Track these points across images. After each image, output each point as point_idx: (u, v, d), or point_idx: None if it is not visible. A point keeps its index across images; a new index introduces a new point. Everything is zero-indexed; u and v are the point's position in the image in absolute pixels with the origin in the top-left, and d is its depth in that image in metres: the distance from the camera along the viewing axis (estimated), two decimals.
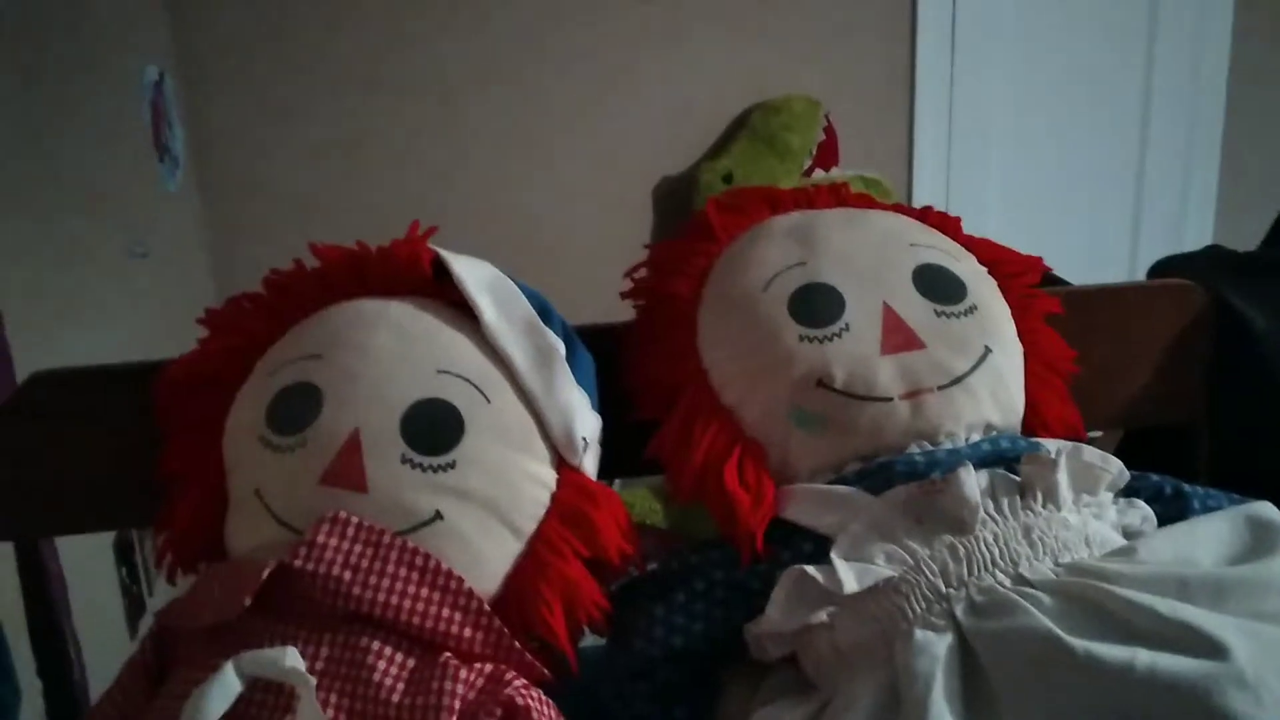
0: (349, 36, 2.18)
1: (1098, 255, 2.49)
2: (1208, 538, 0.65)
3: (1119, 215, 2.56)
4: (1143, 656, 0.56)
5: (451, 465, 0.68)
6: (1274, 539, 0.65)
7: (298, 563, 0.64)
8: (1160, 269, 0.97)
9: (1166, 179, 2.56)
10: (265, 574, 0.64)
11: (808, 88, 2.34)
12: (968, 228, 0.85)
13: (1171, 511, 0.72)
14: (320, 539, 0.65)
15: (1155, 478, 0.75)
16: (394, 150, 2.21)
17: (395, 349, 0.72)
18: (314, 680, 0.62)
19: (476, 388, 0.71)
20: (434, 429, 0.69)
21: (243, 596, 0.63)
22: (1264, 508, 0.68)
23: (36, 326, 1.26)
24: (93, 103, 1.64)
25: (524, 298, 0.75)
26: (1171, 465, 0.79)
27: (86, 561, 1.36)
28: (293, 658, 0.62)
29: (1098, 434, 0.94)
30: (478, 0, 2.20)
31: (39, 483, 0.82)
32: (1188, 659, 0.55)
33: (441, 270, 0.76)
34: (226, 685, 0.61)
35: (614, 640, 0.73)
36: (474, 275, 0.75)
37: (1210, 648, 0.56)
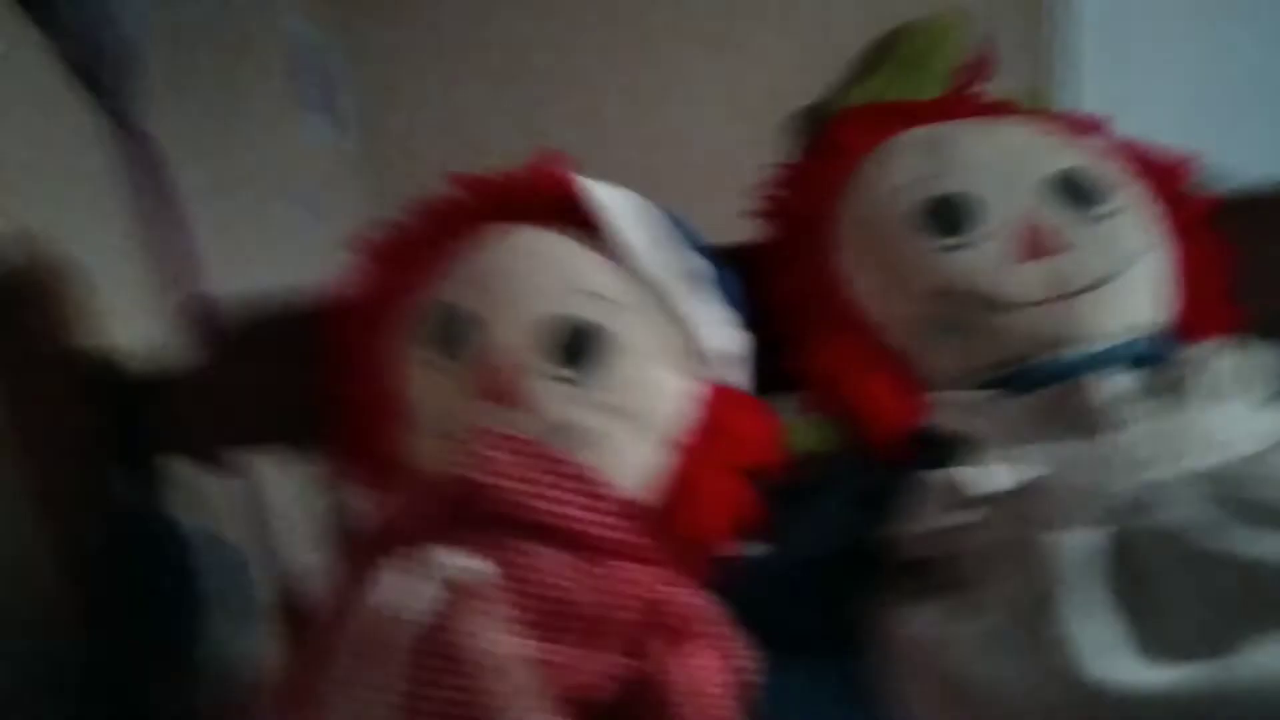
0: None
1: None
2: None
3: None
4: None
5: (599, 380, 0.72)
6: None
7: (475, 476, 0.69)
8: None
9: None
10: (447, 491, 0.69)
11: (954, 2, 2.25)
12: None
13: None
14: (486, 452, 0.70)
15: None
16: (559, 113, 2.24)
17: (544, 271, 0.75)
18: (490, 573, 0.66)
19: (622, 307, 0.74)
20: (583, 346, 0.72)
21: (428, 514, 0.69)
22: None
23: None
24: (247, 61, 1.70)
25: (665, 220, 0.78)
26: None
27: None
28: (466, 558, 0.67)
29: None
30: None
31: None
32: None
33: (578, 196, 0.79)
34: (421, 590, 0.66)
35: (765, 545, 0.75)
36: (614, 200, 0.78)
37: None
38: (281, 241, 1.68)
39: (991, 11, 2.24)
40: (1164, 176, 0.79)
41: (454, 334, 0.75)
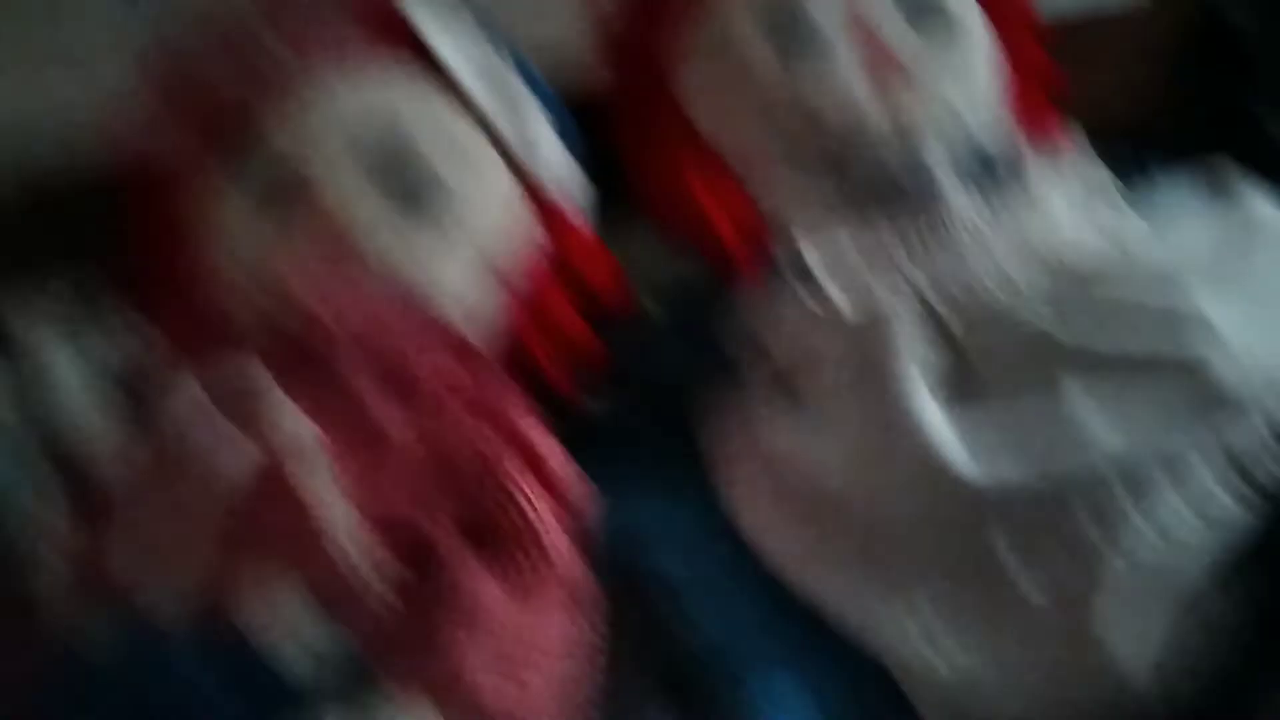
0: None
1: None
2: (1185, 218, 0.67)
3: None
4: (1128, 341, 0.58)
5: (434, 219, 0.67)
6: (1243, 203, 0.66)
7: (294, 321, 0.64)
8: None
9: None
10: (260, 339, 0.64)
11: None
12: None
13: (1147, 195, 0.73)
14: (313, 298, 0.65)
15: (1130, 161, 0.75)
16: None
17: (369, 106, 0.69)
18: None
19: (456, 139, 0.69)
20: (415, 184, 0.67)
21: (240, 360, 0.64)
22: (1226, 169, 0.70)
23: None
24: None
25: (500, 49, 0.73)
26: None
27: None
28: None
29: None
30: None
31: None
32: (1170, 337, 0.57)
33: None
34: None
35: (612, 386, 0.74)
36: (443, 24, 0.72)
37: (1195, 326, 0.57)
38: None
39: None
40: None
41: (274, 179, 0.68)
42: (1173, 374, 0.56)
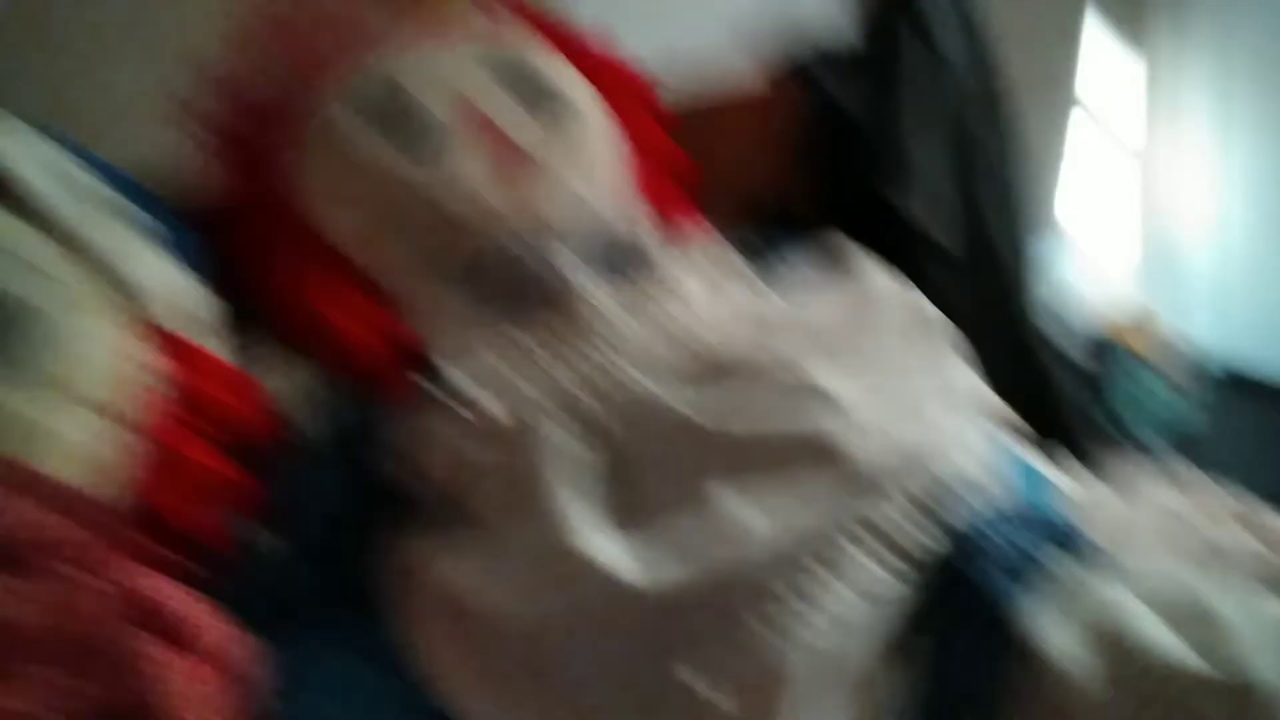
0: None
1: None
2: (806, 291, 0.72)
3: None
4: (759, 419, 0.59)
5: (28, 361, 0.60)
6: (858, 273, 0.71)
7: None
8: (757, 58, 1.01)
9: None
10: None
11: None
12: None
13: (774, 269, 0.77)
14: None
15: (752, 236, 0.79)
16: None
17: None
18: None
19: (54, 273, 0.62)
20: (6, 323, 0.60)
21: None
22: (838, 240, 0.76)
23: None
24: None
25: (95, 176, 0.66)
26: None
27: None
28: None
29: None
30: None
31: None
32: (805, 413, 0.59)
33: None
34: None
35: (266, 520, 0.68)
36: (24, 154, 0.65)
37: (823, 402, 0.60)
38: None
39: None
40: (614, 74, 0.81)
41: None
42: (807, 454, 0.58)
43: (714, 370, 0.62)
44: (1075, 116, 2.50)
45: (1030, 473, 0.75)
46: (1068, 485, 0.73)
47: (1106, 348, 1.39)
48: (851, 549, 0.57)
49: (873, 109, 0.92)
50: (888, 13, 0.96)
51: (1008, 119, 1.01)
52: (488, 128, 0.70)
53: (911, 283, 0.75)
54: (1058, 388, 0.98)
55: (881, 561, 0.58)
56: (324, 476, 0.67)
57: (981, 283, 1.00)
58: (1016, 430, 0.85)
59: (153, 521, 0.62)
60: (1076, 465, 0.77)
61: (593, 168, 0.74)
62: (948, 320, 0.71)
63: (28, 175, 0.63)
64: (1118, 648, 0.50)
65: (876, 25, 0.97)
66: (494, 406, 0.63)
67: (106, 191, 0.66)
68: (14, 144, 0.65)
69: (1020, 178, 1.04)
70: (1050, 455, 0.82)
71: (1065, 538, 0.59)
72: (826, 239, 0.72)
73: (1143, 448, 1.05)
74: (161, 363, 0.65)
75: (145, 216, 0.67)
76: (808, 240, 0.75)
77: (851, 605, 0.56)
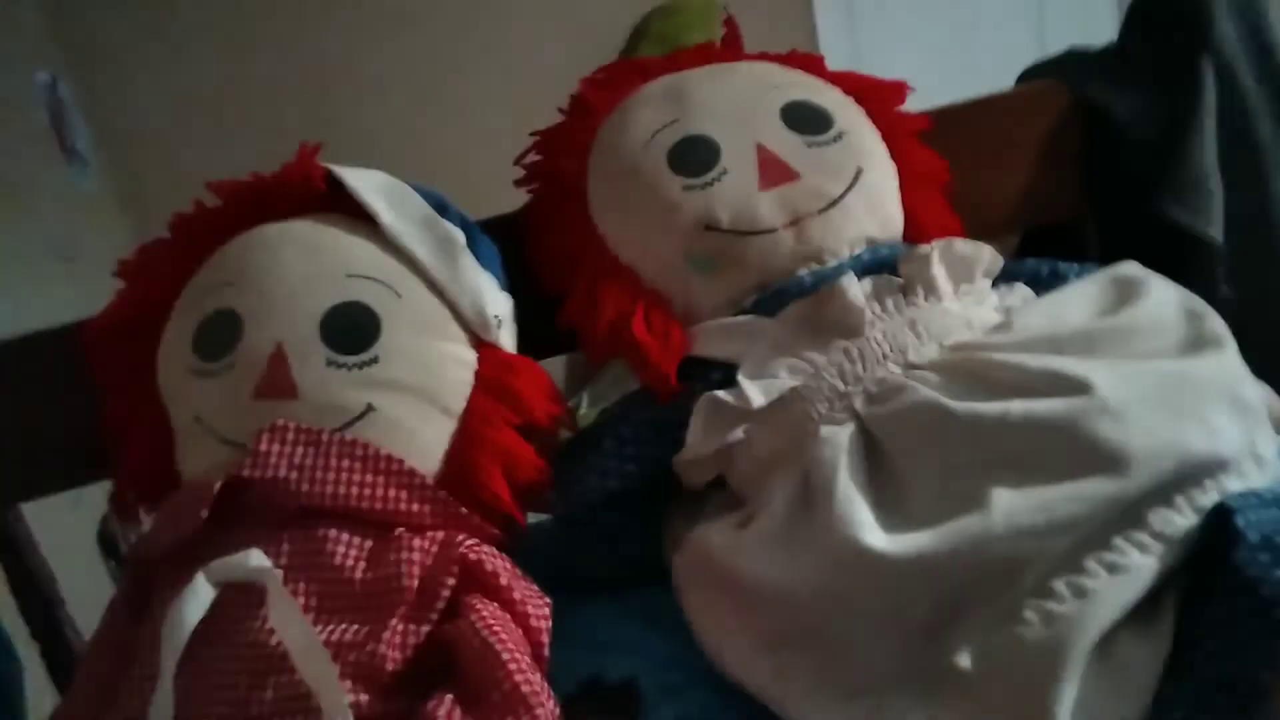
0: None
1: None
2: (1076, 300, 0.71)
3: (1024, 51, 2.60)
4: (1016, 405, 0.61)
5: (374, 360, 0.72)
6: (1137, 290, 0.70)
7: (246, 472, 0.68)
8: (1026, 76, 1.02)
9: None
10: (217, 486, 0.68)
11: None
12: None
13: (1051, 290, 0.77)
14: (263, 447, 0.69)
15: (1032, 261, 0.80)
16: (300, 109, 2.19)
17: (302, 262, 0.75)
18: (280, 573, 0.66)
19: (386, 285, 0.75)
20: (352, 329, 0.73)
21: (199, 510, 0.67)
22: (1127, 266, 0.73)
23: None
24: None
25: (418, 196, 0.79)
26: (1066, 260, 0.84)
27: (74, 558, 1.39)
28: (256, 557, 0.67)
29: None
30: None
31: None
32: (1056, 399, 0.61)
33: (337, 185, 0.79)
34: (199, 594, 0.66)
35: (557, 496, 0.77)
36: (366, 182, 0.78)
37: (1075, 387, 0.61)
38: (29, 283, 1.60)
39: None
40: (879, 100, 0.85)
41: (221, 337, 0.74)
42: (1058, 437, 0.59)
43: (965, 362, 0.65)
44: None
45: None
46: None
47: None
48: (1105, 528, 0.58)
49: (1157, 128, 0.92)
50: (1189, 45, 0.95)
51: None
52: (763, 153, 0.78)
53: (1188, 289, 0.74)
54: None
55: (1138, 545, 0.59)
56: (608, 459, 0.76)
57: (1273, 288, 0.97)
58: None
59: (464, 491, 0.73)
60: None
61: (857, 185, 0.78)
62: (1218, 315, 0.69)
63: (380, 206, 0.77)
64: None
65: (1176, 56, 0.96)
66: (758, 388, 0.69)
67: (427, 208, 0.78)
68: (364, 177, 0.79)
69: None
70: None
71: None
72: (1120, 266, 0.72)
73: None
74: (475, 361, 0.76)
75: (456, 228, 0.78)
76: (1096, 267, 0.76)
77: (1111, 588, 0.58)
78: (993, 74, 1.03)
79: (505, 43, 2.30)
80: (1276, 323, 0.95)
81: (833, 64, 0.89)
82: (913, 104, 0.89)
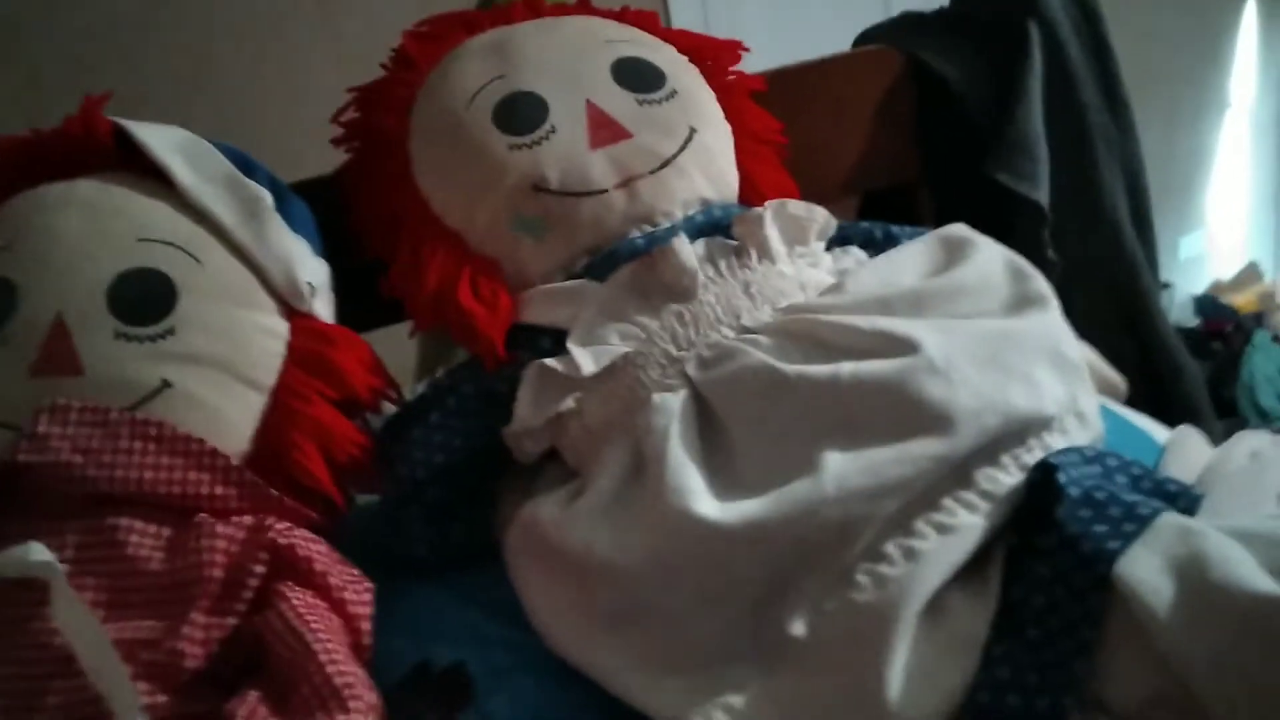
0: None
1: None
2: (907, 261, 0.70)
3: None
4: (846, 367, 0.60)
5: (170, 331, 0.66)
6: (964, 250, 0.70)
7: (22, 457, 0.62)
8: (863, 39, 1.01)
9: None
10: None
11: None
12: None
13: (885, 252, 0.77)
14: (42, 429, 0.62)
15: (865, 224, 0.79)
16: (115, 50, 2.02)
17: (87, 226, 0.68)
18: (65, 567, 0.60)
19: (183, 250, 0.69)
20: (144, 298, 0.67)
21: None
22: (956, 228, 0.73)
23: None
24: None
25: (220, 154, 0.73)
26: (900, 223, 0.84)
27: None
28: (38, 551, 0.60)
29: None
30: None
31: None
32: (885, 360, 0.60)
33: (128, 142, 0.72)
34: None
35: (380, 476, 0.73)
36: (161, 139, 0.72)
37: (904, 346, 0.60)
38: None
39: None
40: (714, 60, 0.83)
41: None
42: (886, 396, 0.59)
43: (797, 324, 0.64)
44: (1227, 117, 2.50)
45: (1120, 423, 0.74)
46: (1163, 434, 0.72)
47: (1233, 318, 1.35)
48: (934, 489, 0.58)
49: (987, 91, 0.93)
50: (1016, 9, 0.96)
51: (1128, 118, 1.00)
52: (593, 110, 0.74)
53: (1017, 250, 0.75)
54: (1168, 353, 0.97)
55: (966, 504, 0.58)
56: (434, 432, 0.72)
57: (1095, 253, 1.00)
58: (1114, 386, 0.84)
59: (276, 472, 0.68)
60: (1186, 424, 0.75)
61: (689, 146, 0.76)
62: (1046, 278, 0.70)
63: (176, 165, 0.70)
64: (1201, 578, 0.49)
65: (1004, 20, 0.97)
66: (588, 355, 0.66)
67: (230, 168, 0.72)
68: (158, 133, 0.72)
69: (1141, 167, 1.02)
70: (1157, 414, 0.81)
71: (1153, 479, 0.58)
72: (949, 228, 0.72)
73: (1263, 415, 1.02)
74: (287, 332, 0.71)
75: (264, 189, 0.73)
76: (926, 229, 0.75)
77: (941, 549, 0.57)
78: (842, 36, 1.03)
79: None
80: (1099, 286, 0.98)
81: (677, 19, 0.86)
82: (759, 65, 0.87)
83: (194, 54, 2.05)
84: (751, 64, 0.86)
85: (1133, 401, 0.84)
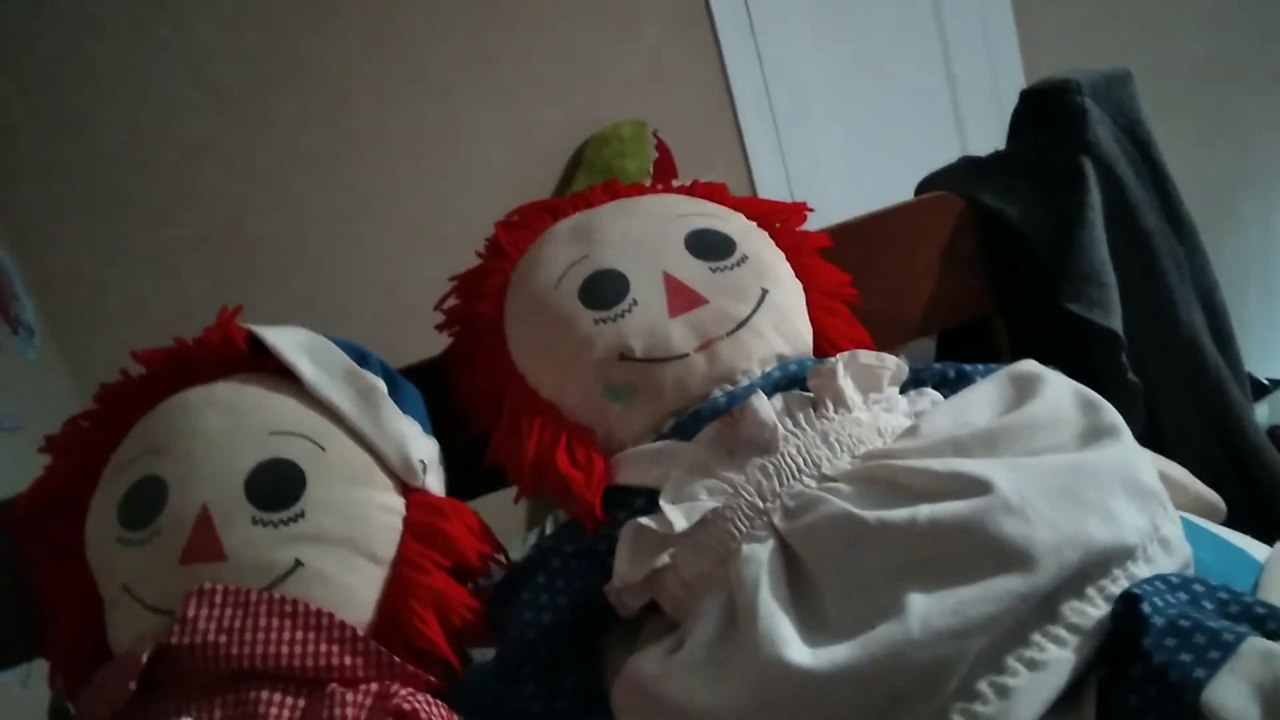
0: (151, 155, 2.18)
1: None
2: (978, 401, 0.73)
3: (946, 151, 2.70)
4: (923, 510, 0.63)
5: (301, 515, 0.73)
6: (1034, 386, 0.73)
7: (173, 639, 0.68)
8: (923, 186, 1.07)
9: (977, 93, 2.68)
10: (145, 657, 0.68)
11: (632, 112, 2.43)
12: (812, 202, 0.94)
13: (959, 391, 0.80)
14: (190, 612, 0.69)
15: (938, 365, 0.83)
16: (242, 253, 2.21)
17: (225, 423, 0.76)
18: None
19: (309, 439, 0.76)
20: (277, 486, 0.74)
21: (127, 682, 0.67)
22: (1024, 364, 0.76)
23: None
24: None
25: (339, 349, 0.81)
26: (981, 360, 0.87)
27: None
28: None
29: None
30: (295, 81, 2.23)
31: None
32: (960, 500, 0.63)
33: (259, 345, 0.81)
34: None
35: (493, 636, 0.77)
36: (287, 340, 0.80)
37: (977, 487, 0.63)
38: None
39: (678, 109, 2.43)
40: (781, 222, 0.89)
41: (147, 504, 0.74)
42: (962, 537, 0.61)
43: (875, 470, 0.67)
44: None
45: (1217, 542, 0.74)
46: (1263, 552, 0.72)
47: None
48: (1022, 625, 0.60)
49: (1050, 228, 0.96)
50: (1067, 148, 1.00)
51: (1195, 237, 1.02)
52: (670, 281, 0.81)
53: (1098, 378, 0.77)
54: (1265, 467, 0.96)
55: (1054, 639, 0.60)
56: (541, 593, 0.76)
57: (1178, 373, 1.00)
58: (1212, 505, 0.84)
59: (397, 640, 0.73)
60: None
61: (763, 306, 0.81)
62: (1131, 400, 0.72)
63: (302, 363, 0.78)
64: None
65: (1056, 158, 1.01)
66: (688, 520, 0.70)
67: (348, 360, 0.80)
68: (284, 335, 0.81)
69: (1214, 285, 1.04)
70: (1260, 531, 0.80)
71: (1240, 603, 0.59)
72: (1018, 365, 0.75)
73: None
74: (403, 507, 0.77)
75: (378, 377, 0.80)
76: (999, 364, 0.79)
77: (1033, 685, 0.58)
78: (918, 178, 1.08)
79: (439, 180, 2.35)
80: (1186, 405, 0.98)
81: (761, 177, 0.93)
82: (839, 211, 0.92)
83: (306, 250, 2.24)
84: (834, 210, 0.91)
85: (1233, 520, 0.83)
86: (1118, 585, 0.61)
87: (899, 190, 1.07)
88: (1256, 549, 0.77)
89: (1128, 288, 0.96)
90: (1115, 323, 0.93)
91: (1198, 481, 0.86)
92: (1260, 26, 2.60)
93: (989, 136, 2.65)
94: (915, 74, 2.65)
